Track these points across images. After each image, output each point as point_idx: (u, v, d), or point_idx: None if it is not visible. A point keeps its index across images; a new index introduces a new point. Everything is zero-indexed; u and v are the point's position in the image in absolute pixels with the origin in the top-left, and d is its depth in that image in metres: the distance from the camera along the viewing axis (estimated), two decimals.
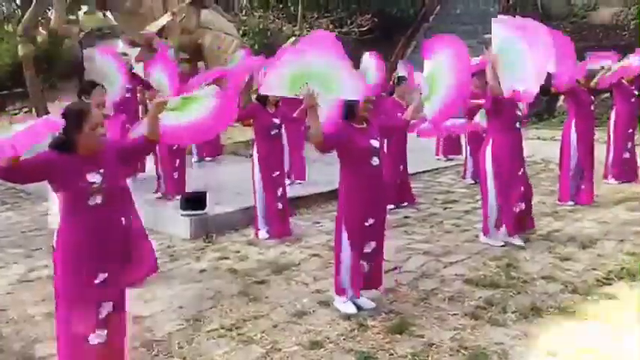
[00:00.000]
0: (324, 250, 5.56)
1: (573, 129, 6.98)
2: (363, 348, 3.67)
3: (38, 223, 6.92)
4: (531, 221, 5.72)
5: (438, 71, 4.95)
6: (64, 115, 2.96)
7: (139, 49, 11.68)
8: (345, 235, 4.13)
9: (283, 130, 6.45)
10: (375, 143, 4.15)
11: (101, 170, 3.01)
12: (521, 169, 5.57)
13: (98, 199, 3.00)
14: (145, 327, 4.07)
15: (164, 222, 6.50)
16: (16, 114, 17.48)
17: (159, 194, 7.07)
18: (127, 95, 8.14)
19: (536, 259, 5.18)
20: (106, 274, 3.06)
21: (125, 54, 8.45)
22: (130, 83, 8.13)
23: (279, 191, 6.01)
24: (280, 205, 6.00)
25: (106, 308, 3.09)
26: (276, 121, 5.99)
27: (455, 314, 4.13)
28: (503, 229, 5.52)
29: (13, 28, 17.92)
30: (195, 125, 3.76)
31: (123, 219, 3.26)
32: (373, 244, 4.19)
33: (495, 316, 4.06)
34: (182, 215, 6.29)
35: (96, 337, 3.07)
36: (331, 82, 3.86)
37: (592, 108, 7.09)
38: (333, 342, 3.76)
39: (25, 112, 17.46)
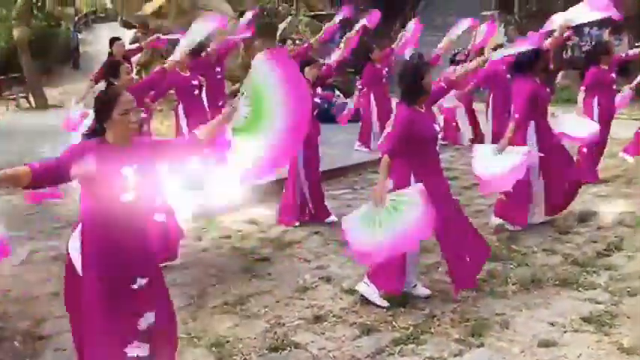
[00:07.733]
0: (325, 228, 5.59)
1: (595, 104, 6.69)
2: (366, 321, 3.72)
3: (38, 206, 6.91)
4: None
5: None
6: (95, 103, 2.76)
7: (133, 31, 11.63)
8: None
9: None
10: (437, 128, 3.99)
11: (134, 166, 2.73)
12: None
13: (130, 196, 2.71)
14: None
15: None
16: (13, 99, 17.36)
17: None
18: None
19: (536, 233, 5.22)
20: (146, 279, 2.77)
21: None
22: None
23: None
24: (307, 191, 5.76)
25: (147, 319, 2.76)
26: (317, 100, 5.80)
27: None
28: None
29: (8, 11, 17.72)
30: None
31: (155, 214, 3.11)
32: None
33: (496, 288, 4.11)
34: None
35: (135, 350, 2.72)
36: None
37: (614, 85, 6.91)
38: (336, 315, 3.81)
39: (22, 97, 17.35)
